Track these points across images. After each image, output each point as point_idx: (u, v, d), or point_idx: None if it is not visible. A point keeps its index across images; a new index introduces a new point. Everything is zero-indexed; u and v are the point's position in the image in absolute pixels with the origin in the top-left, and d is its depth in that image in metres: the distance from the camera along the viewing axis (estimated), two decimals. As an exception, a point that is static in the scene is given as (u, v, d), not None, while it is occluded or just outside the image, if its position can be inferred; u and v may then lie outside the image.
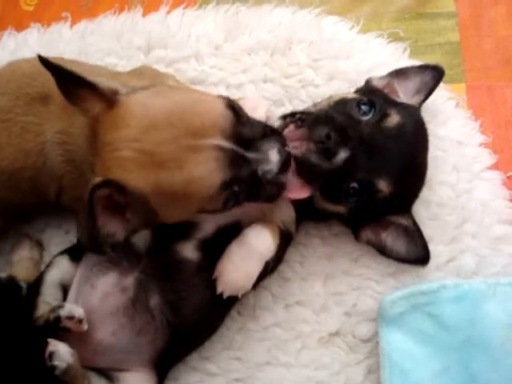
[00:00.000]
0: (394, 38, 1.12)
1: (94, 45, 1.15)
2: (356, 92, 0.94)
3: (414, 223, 0.90)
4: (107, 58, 1.12)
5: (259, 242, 0.84)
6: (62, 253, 0.97)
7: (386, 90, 0.93)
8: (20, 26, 1.28)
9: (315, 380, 0.95)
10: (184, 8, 1.17)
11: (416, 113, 0.91)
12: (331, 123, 0.80)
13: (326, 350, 0.97)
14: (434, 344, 0.91)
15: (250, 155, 0.74)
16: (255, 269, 0.83)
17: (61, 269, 0.92)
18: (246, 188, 0.75)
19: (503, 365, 0.88)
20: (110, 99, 0.73)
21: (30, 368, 0.83)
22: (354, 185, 0.81)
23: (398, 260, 0.92)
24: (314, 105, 0.92)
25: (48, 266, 0.94)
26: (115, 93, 0.74)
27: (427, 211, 0.98)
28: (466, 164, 1.01)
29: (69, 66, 0.81)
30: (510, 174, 1.04)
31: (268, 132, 0.77)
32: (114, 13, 1.20)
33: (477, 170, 1.01)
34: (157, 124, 0.70)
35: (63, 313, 0.80)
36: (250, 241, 0.84)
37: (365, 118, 0.83)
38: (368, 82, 0.95)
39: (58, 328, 0.82)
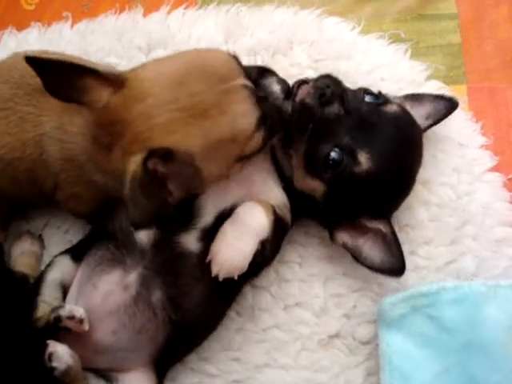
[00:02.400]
0: (395, 39, 1.11)
1: (94, 44, 1.14)
2: None
3: (392, 231, 0.87)
4: (108, 57, 1.12)
5: (252, 218, 0.83)
6: (63, 252, 0.97)
7: None
8: (21, 26, 1.27)
9: (314, 382, 0.95)
10: (185, 8, 1.16)
11: (416, 123, 0.91)
12: (336, 83, 0.86)
13: (325, 352, 0.97)
14: (434, 346, 0.90)
15: (261, 93, 0.80)
16: (250, 247, 0.81)
17: (62, 268, 0.93)
18: (274, 122, 0.80)
19: (503, 368, 0.87)
20: (115, 81, 0.73)
21: (30, 369, 0.83)
22: (334, 154, 0.81)
23: (371, 269, 0.88)
24: None
25: (49, 265, 0.95)
26: (118, 74, 0.74)
27: (427, 212, 0.98)
28: (467, 166, 1.00)
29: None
30: (511, 176, 1.04)
31: (260, 71, 0.87)
32: (115, 12, 1.20)
33: (478, 172, 1.01)
34: (183, 79, 0.73)
35: (64, 313, 0.80)
36: (242, 217, 0.83)
37: (367, 100, 0.85)
38: (379, 91, 0.94)
39: (58, 328, 0.81)
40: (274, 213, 0.86)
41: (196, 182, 0.77)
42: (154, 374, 0.89)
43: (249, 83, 0.77)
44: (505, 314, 0.89)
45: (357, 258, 0.90)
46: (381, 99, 0.85)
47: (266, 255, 0.86)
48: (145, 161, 0.69)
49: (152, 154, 0.70)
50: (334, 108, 0.82)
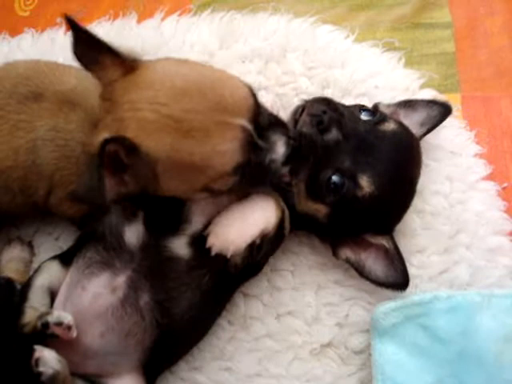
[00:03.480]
0: (390, 47, 1.12)
1: None
2: None
3: (395, 246, 0.88)
4: None
5: (262, 205, 0.84)
6: (51, 258, 0.96)
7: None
8: (14, 31, 1.28)
9: None
10: (179, 15, 1.17)
11: (414, 137, 0.91)
12: (331, 105, 0.85)
13: (317, 361, 0.96)
14: (427, 356, 0.90)
15: (260, 143, 0.76)
16: (252, 229, 0.80)
17: (50, 273, 0.92)
18: (252, 174, 0.77)
19: (497, 379, 0.87)
20: (129, 65, 0.74)
21: (18, 375, 0.81)
22: (336, 178, 0.81)
23: (375, 283, 0.90)
24: None
25: (36, 270, 0.94)
26: (135, 59, 0.75)
27: (421, 220, 0.98)
28: (461, 174, 1.01)
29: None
30: (505, 184, 1.04)
31: (275, 122, 0.80)
32: (109, 19, 1.20)
33: (471, 181, 1.01)
34: (188, 92, 0.71)
35: (51, 319, 0.79)
36: (253, 201, 0.84)
37: (364, 118, 0.85)
38: (375, 106, 0.95)
39: (45, 335, 0.80)
40: (283, 212, 0.86)
41: (151, 187, 0.76)
42: (144, 380, 0.88)
43: (249, 127, 0.74)
44: (498, 323, 0.89)
45: (360, 272, 0.90)
46: (377, 117, 0.85)
47: (259, 256, 0.86)
48: (106, 141, 0.69)
49: (118, 140, 0.70)
50: (333, 134, 0.82)
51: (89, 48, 0.75)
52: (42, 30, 1.25)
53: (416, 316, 0.91)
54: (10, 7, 1.34)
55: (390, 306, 0.92)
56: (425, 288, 0.96)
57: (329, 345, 0.97)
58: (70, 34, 1.17)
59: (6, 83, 0.92)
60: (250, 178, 0.77)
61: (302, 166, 0.83)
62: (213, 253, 0.79)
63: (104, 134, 0.71)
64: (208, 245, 0.79)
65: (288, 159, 0.79)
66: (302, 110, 0.85)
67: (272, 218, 0.83)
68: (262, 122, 0.77)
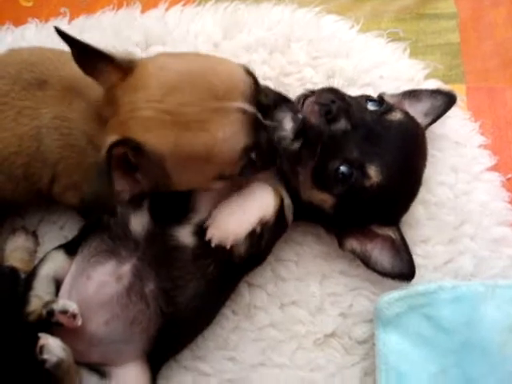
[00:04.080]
0: (394, 37, 1.12)
1: (91, 40, 1.07)
2: None
3: (402, 237, 0.89)
4: None
5: (260, 194, 0.84)
6: (56, 247, 0.96)
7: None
8: (18, 22, 1.27)
9: (310, 382, 0.95)
10: (183, 5, 1.16)
11: (420, 127, 0.91)
12: (339, 95, 0.84)
13: (321, 351, 0.96)
14: (431, 346, 0.90)
15: (267, 123, 0.76)
16: (251, 218, 0.81)
17: (55, 263, 0.92)
18: (263, 155, 0.77)
19: (501, 369, 0.87)
20: (126, 68, 0.75)
21: (23, 363, 0.82)
22: (344, 168, 0.81)
23: (381, 274, 0.90)
24: None
25: (42, 260, 0.94)
26: (131, 61, 0.76)
27: (425, 211, 0.98)
28: (466, 165, 1.01)
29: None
30: (509, 175, 1.04)
31: (280, 100, 0.80)
32: (113, 9, 1.20)
33: (476, 172, 1.01)
34: (180, 85, 0.72)
35: (57, 307, 0.79)
36: (251, 191, 0.84)
37: (371, 108, 0.84)
38: (380, 96, 0.95)
39: (50, 323, 0.81)
40: (281, 200, 0.86)
41: (165, 183, 0.77)
42: (148, 368, 0.89)
43: (248, 107, 0.74)
44: (503, 314, 0.89)
45: (366, 263, 0.91)
46: (383, 106, 0.85)
47: (261, 244, 0.86)
48: (112, 146, 0.71)
49: (125, 141, 0.71)
50: (341, 124, 0.81)
51: (87, 56, 0.76)
52: (46, 20, 1.25)
53: (420, 306, 0.91)
54: None
55: (393, 295, 0.92)
56: (429, 278, 0.95)
57: (332, 335, 0.97)
58: (74, 23, 1.22)
59: (11, 69, 0.92)
60: (262, 158, 0.77)
61: (308, 156, 0.83)
62: (213, 244, 0.79)
63: (111, 138, 0.72)
64: (207, 237, 0.80)
65: (297, 135, 0.79)
66: (304, 100, 0.84)
67: (270, 205, 0.83)
68: (266, 101, 0.78)
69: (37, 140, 0.89)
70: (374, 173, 0.81)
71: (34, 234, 1.07)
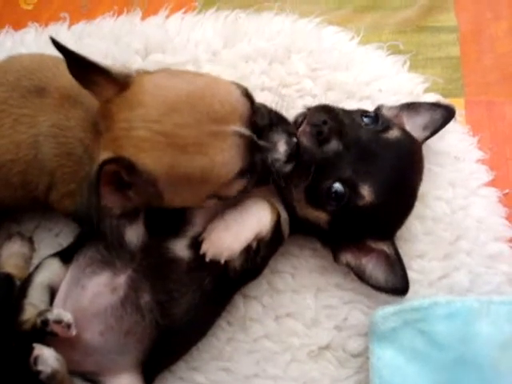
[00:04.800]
0: (394, 50, 1.12)
1: (91, 46, 1.14)
2: None
3: (396, 252, 0.89)
4: (104, 60, 1.05)
5: (256, 209, 0.84)
6: (52, 255, 0.97)
7: (394, 121, 0.93)
8: (18, 25, 1.27)
9: None
10: (183, 13, 1.16)
11: (417, 143, 0.91)
12: (332, 114, 0.84)
13: (315, 363, 0.97)
14: (425, 361, 0.91)
15: (261, 143, 0.77)
16: (246, 234, 0.81)
17: (50, 271, 0.93)
18: (257, 176, 0.78)
19: None
20: (122, 82, 0.74)
21: (16, 373, 0.82)
22: (337, 186, 0.81)
23: (375, 288, 0.91)
24: None
25: (37, 267, 0.94)
26: (127, 76, 0.75)
27: (422, 226, 0.98)
28: (463, 180, 1.01)
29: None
30: (506, 191, 1.04)
31: (276, 120, 0.80)
32: (113, 15, 1.20)
33: (473, 187, 1.01)
34: (178, 106, 0.72)
35: (51, 316, 0.80)
36: (247, 206, 0.84)
37: (366, 127, 0.84)
38: (378, 109, 0.95)
39: (45, 332, 0.81)
40: (278, 216, 0.86)
41: (157, 201, 0.77)
42: (142, 379, 0.89)
43: (245, 132, 0.74)
44: (497, 330, 0.90)
45: (361, 277, 0.91)
46: (379, 124, 0.85)
47: (257, 259, 0.86)
48: (103, 163, 0.70)
49: (118, 160, 0.71)
50: (333, 145, 0.81)
51: (82, 69, 0.76)
52: (46, 25, 1.25)
53: (415, 321, 0.92)
54: (13, 0, 1.33)
55: (388, 310, 0.92)
56: (424, 293, 0.96)
57: (327, 347, 0.97)
58: (73, 28, 1.21)
59: (9, 76, 0.92)
60: (255, 179, 0.78)
61: (301, 176, 0.83)
62: (207, 259, 0.79)
63: (104, 155, 0.72)
64: (202, 251, 0.80)
65: (290, 158, 0.79)
66: (303, 119, 0.84)
67: (266, 221, 0.83)
68: (262, 122, 0.78)
69: (34, 148, 0.89)
70: (366, 192, 0.81)
71: (30, 240, 1.07)
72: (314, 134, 0.81)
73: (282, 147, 0.78)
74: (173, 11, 1.17)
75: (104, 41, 1.13)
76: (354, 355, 0.96)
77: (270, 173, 0.79)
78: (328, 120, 0.81)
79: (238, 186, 0.77)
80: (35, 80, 0.91)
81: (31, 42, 1.19)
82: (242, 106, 0.75)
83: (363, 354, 0.96)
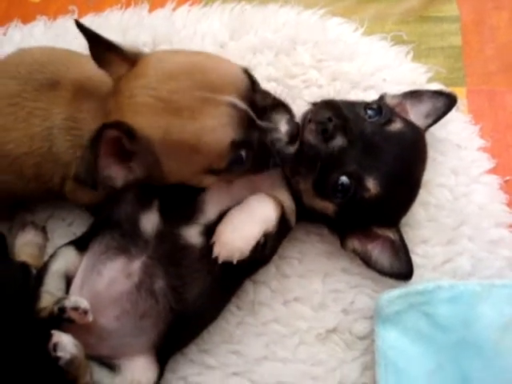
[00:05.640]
0: (397, 40, 1.14)
1: None
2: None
3: (401, 238, 0.91)
4: None
5: (261, 207, 0.86)
6: (67, 244, 0.98)
7: (397, 109, 0.95)
8: (26, 19, 1.30)
9: (311, 375, 0.97)
10: (190, 5, 1.19)
11: (420, 131, 0.93)
12: (336, 110, 0.85)
13: (322, 346, 0.98)
14: (429, 343, 0.93)
15: (261, 123, 0.78)
16: (254, 233, 0.83)
17: (66, 259, 0.94)
18: (254, 156, 0.79)
19: (495, 366, 0.90)
20: (133, 60, 0.79)
21: (35, 359, 0.84)
22: (344, 179, 0.83)
23: (380, 273, 0.93)
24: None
25: (52, 256, 0.95)
26: (138, 54, 0.80)
27: (425, 212, 1.00)
28: (465, 167, 1.03)
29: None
30: (507, 178, 1.06)
31: (277, 103, 0.82)
32: (121, 8, 1.22)
33: (475, 174, 1.03)
34: (175, 74, 0.75)
35: (68, 304, 0.81)
36: (252, 205, 0.86)
37: (370, 119, 0.86)
38: (381, 97, 0.96)
39: (62, 319, 0.83)
40: (282, 210, 0.88)
41: (156, 171, 0.79)
42: (156, 362, 0.91)
43: (240, 103, 0.75)
44: (498, 313, 0.91)
45: (367, 262, 0.93)
46: (383, 116, 0.86)
47: (265, 251, 0.88)
48: (104, 127, 0.72)
49: (118, 125, 0.74)
50: (338, 141, 0.83)
51: (99, 48, 0.80)
52: (54, 17, 1.27)
53: (419, 304, 0.94)
54: None
55: (393, 294, 0.94)
56: (428, 277, 0.97)
57: (334, 330, 0.99)
58: (82, 21, 1.22)
59: (22, 69, 0.93)
60: (254, 159, 0.79)
61: (309, 170, 0.85)
62: (220, 261, 0.82)
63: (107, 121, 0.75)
64: (214, 254, 0.82)
65: (292, 138, 0.80)
66: (311, 116, 0.86)
67: (272, 217, 0.85)
68: (263, 102, 0.79)
69: (48, 140, 0.90)
70: (372, 185, 0.83)
71: (44, 230, 1.09)
72: (320, 131, 0.83)
73: (283, 127, 0.79)
74: (179, 3, 1.20)
75: (112, 33, 1.13)
76: (361, 337, 0.98)
77: (269, 155, 0.80)
78: (332, 117, 0.83)
79: (231, 159, 0.77)
80: (47, 73, 0.92)
81: (40, 35, 1.21)
82: (240, 81, 0.77)
83: (369, 337, 0.97)
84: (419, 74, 1.09)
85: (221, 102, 0.74)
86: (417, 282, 0.96)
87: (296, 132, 0.81)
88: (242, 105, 0.75)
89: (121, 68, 0.80)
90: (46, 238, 1.09)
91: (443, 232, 1.00)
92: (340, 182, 0.83)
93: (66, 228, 1.09)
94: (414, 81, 1.07)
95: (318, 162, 0.83)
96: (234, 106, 0.74)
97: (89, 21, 1.20)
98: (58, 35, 1.20)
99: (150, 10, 1.21)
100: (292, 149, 0.82)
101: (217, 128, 0.74)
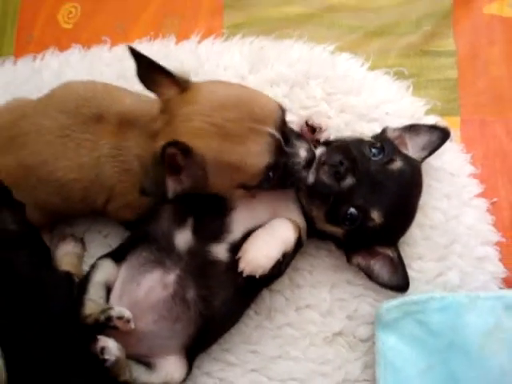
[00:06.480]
0: (399, 75, 1.22)
1: (131, 69, 1.16)
2: (372, 138, 1.06)
3: (399, 256, 1.01)
4: None
5: (282, 231, 0.96)
6: (104, 256, 1.05)
7: (396, 141, 1.05)
8: (60, 44, 1.36)
9: (320, 373, 1.06)
10: (214, 38, 1.26)
11: (417, 166, 1.03)
12: (346, 153, 0.96)
13: (330, 347, 1.07)
14: (422, 346, 1.01)
15: (287, 149, 0.89)
16: (275, 253, 0.92)
17: (105, 270, 1.02)
18: (278, 175, 0.90)
19: (479, 366, 0.98)
20: (182, 84, 0.88)
21: (83, 358, 0.92)
22: (352, 210, 0.94)
23: (381, 285, 1.03)
24: (336, 140, 1.06)
25: (93, 267, 1.03)
26: (187, 80, 0.89)
27: (421, 232, 1.08)
28: (456, 192, 1.10)
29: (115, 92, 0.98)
30: (495, 199, 1.14)
31: (299, 135, 0.94)
32: (150, 40, 1.29)
33: (465, 198, 1.11)
34: (226, 105, 0.85)
35: (114, 313, 0.90)
36: (275, 227, 0.96)
37: (374, 158, 0.96)
38: (384, 131, 1.07)
39: (106, 326, 0.90)
40: (299, 232, 0.98)
41: (202, 183, 0.89)
42: (186, 360, 1.00)
43: (276, 134, 0.86)
44: (482, 321, 0.99)
45: (369, 276, 1.03)
46: (385, 155, 0.96)
47: (282, 268, 0.98)
48: (166, 145, 0.82)
49: (175, 144, 0.83)
50: (348, 181, 0.93)
51: (149, 71, 0.89)
52: (86, 44, 1.33)
53: (414, 312, 1.01)
54: (54, 19, 1.42)
55: (392, 303, 1.03)
56: (422, 289, 1.05)
57: (339, 334, 1.07)
58: (114, 50, 1.31)
59: (70, 104, 1.00)
60: (277, 178, 0.90)
61: (322, 203, 0.96)
62: (244, 275, 0.92)
63: (165, 140, 0.85)
64: (239, 269, 0.92)
65: (308, 163, 0.91)
66: (325, 158, 0.96)
67: (291, 239, 0.96)
68: (288, 133, 0.91)
69: (96, 168, 0.98)
70: (376, 216, 0.94)
71: (82, 241, 1.17)
72: (333, 173, 0.93)
73: (303, 154, 0.90)
74: (203, 37, 1.27)
75: None
76: (363, 340, 1.07)
77: (289, 175, 0.91)
78: (344, 160, 0.94)
79: (262, 178, 0.87)
80: (93, 108, 0.99)
81: (76, 62, 1.28)
82: (277, 114, 0.88)
83: (370, 340, 1.06)
84: (418, 107, 1.16)
85: (263, 132, 0.85)
86: (412, 293, 1.03)
87: (312, 159, 0.92)
88: (278, 135, 0.87)
89: (170, 90, 0.88)
90: (83, 249, 1.16)
91: (436, 249, 1.08)
92: (349, 213, 0.94)
93: (101, 240, 1.16)
94: (413, 113, 1.14)
95: (331, 197, 0.94)
96: (272, 136, 0.86)
97: (121, 50, 1.26)
98: (92, 63, 1.26)
99: (177, 42, 1.27)
100: (305, 173, 0.93)
101: (259, 153, 0.86)
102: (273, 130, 0.86)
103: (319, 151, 0.97)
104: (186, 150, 0.84)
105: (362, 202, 0.94)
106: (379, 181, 0.94)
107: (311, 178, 0.95)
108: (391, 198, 0.95)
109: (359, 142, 1.00)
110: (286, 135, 0.90)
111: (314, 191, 0.95)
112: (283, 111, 0.90)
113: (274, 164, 0.87)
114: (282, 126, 0.89)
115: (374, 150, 0.97)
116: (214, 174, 0.87)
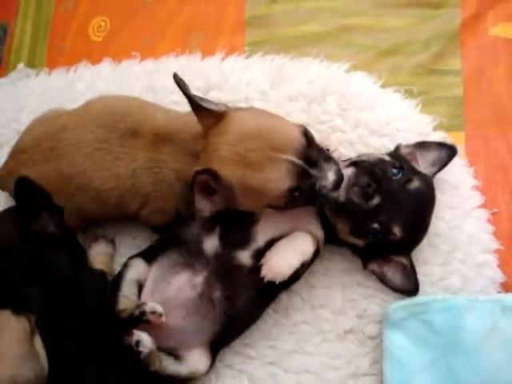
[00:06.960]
0: (409, 94, 1.29)
1: (160, 82, 1.31)
2: (388, 155, 1.13)
3: (411, 264, 1.08)
4: (171, 95, 1.27)
5: (303, 243, 1.03)
6: (135, 255, 1.11)
7: (408, 157, 1.12)
8: (90, 56, 1.44)
9: (331, 366, 1.12)
10: (237, 55, 1.33)
11: (431, 183, 1.10)
12: (373, 176, 1.04)
13: (341, 343, 1.13)
14: (425, 344, 1.05)
15: (313, 172, 0.94)
16: (295, 262, 0.99)
17: (137, 269, 1.08)
18: (305, 196, 0.95)
19: (477, 363, 1.03)
20: (219, 116, 0.96)
21: (115, 351, 0.98)
22: (376, 226, 1.03)
23: (393, 289, 1.10)
24: (358, 156, 1.14)
25: (125, 266, 1.09)
26: (224, 111, 0.97)
27: (426, 239, 1.12)
28: (459, 203, 1.16)
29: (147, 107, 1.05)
30: (495, 210, 1.20)
31: (329, 157, 0.98)
32: (176, 55, 1.37)
33: (467, 209, 1.16)
34: (249, 136, 0.93)
35: (148, 308, 0.96)
36: (296, 240, 1.03)
37: (395, 178, 1.04)
38: (397, 148, 1.14)
39: (140, 320, 0.96)
40: (317, 245, 1.06)
41: (233, 204, 0.97)
42: (210, 353, 1.06)
43: (296, 160, 0.92)
44: (481, 322, 1.04)
45: (383, 280, 1.10)
46: (405, 175, 1.04)
47: (299, 275, 1.06)
48: (197, 173, 0.92)
49: (208, 171, 0.93)
50: (375, 200, 1.01)
51: (198, 105, 0.97)
52: (115, 56, 1.41)
53: (419, 313, 1.06)
54: (85, 32, 1.51)
55: (399, 304, 1.08)
56: (426, 291, 1.10)
57: (350, 331, 1.13)
58: (143, 64, 1.39)
59: (107, 118, 1.07)
60: (304, 198, 0.96)
61: (350, 218, 1.04)
62: (265, 280, 0.98)
63: (198, 168, 0.95)
64: (262, 275, 0.98)
65: (336, 185, 0.96)
66: (355, 180, 1.03)
67: (310, 251, 1.03)
68: (316, 156, 0.95)
69: (132, 178, 1.05)
70: (397, 231, 1.02)
71: (113, 241, 1.25)
72: (362, 194, 1.01)
73: (331, 177, 0.95)
74: (227, 54, 1.35)
75: (171, 78, 1.29)
76: (371, 337, 1.12)
77: (316, 196, 0.98)
78: (371, 183, 1.01)
79: (286, 200, 0.94)
80: (128, 123, 1.06)
81: (107, 75, 1.35)
82: (297, 142, 0.93)
83: (378, 337, 1.11)
84: (426, 123, 1.22)
85: (281, 159, 0.92)
86: (418, 295, 1.08)
87: (340, 181, 0.97)
88: (298, 161, 0.92)
89: (210, 120, 0.97)
90: (114, 249, 1.23)
91: (440, 255, 1.13)
92: (373, 228, 1.03)
93: (131, 241, 1.23)
94: (422, 130, 1.20)
95: (360, 214, 1.03)
96: (291, 162, 0.92)
97: (150, 65, 1.35)
98: (122, 76, 1.34)
99: (202, 58, 1.35)
100: (335, 194, 1.00)
101: (277, 179, 0.92)
102: (291, 157, 0.92)
103: (349, 172, 1.04)
104: (215, 176, 0.93)
105: (385, 219, 1.02)
106: (400, 199, 1.02)
107: (342, 198, 1.02)
108: (410, 214, 1.04)
109: (382, 163, 1.07)
110: (312, 159, 0.94)
111: (343, 209, 1.03)
112: (308, 137, 0.95)
113: (297, 187, 0.93)
114: (305, 150, 0.94)
115: (394, 171, 1.05)
116: (242, 196, 0.95)
